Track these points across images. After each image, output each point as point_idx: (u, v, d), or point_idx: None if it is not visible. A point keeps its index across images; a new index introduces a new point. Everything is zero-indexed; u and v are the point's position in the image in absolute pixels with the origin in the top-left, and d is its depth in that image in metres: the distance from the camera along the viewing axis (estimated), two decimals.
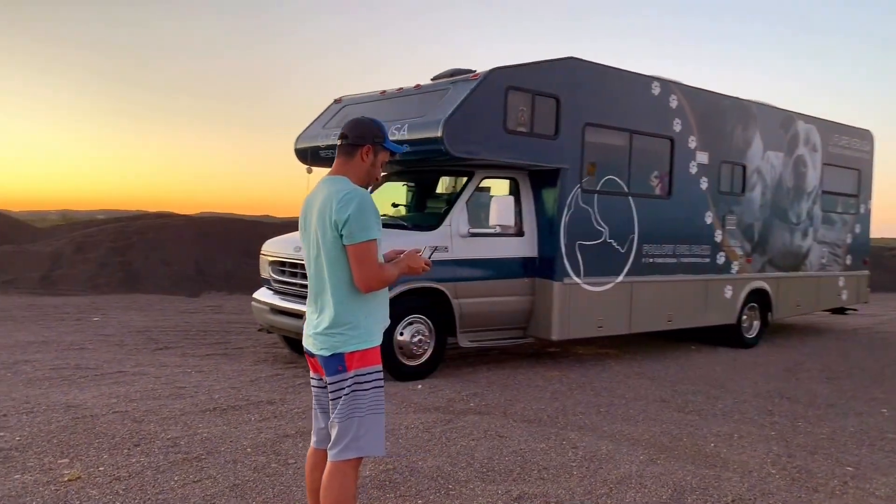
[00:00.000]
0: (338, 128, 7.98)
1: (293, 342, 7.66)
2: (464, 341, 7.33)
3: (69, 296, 12.53)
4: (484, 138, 7.06)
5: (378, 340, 3.03)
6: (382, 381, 3.05)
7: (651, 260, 8.63)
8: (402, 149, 3.27)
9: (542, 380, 7.24)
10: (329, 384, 3.00)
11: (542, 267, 7.80)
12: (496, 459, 4.72)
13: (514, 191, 7.88)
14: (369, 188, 3.23)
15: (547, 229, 7.79)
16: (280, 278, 7.52)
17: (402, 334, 6.88)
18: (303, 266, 7.16)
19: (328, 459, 2.99)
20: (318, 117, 8.75)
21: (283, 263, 7.50)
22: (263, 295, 7.69)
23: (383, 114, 7.57)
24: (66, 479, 4.05)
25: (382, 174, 6.77)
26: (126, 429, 5.01)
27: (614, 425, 5.70)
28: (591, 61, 7.88)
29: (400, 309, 6.84)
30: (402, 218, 7.79)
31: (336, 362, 2.96)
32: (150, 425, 5.12)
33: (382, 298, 3.11)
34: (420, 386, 6.70)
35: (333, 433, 2.98)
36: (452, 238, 7.18)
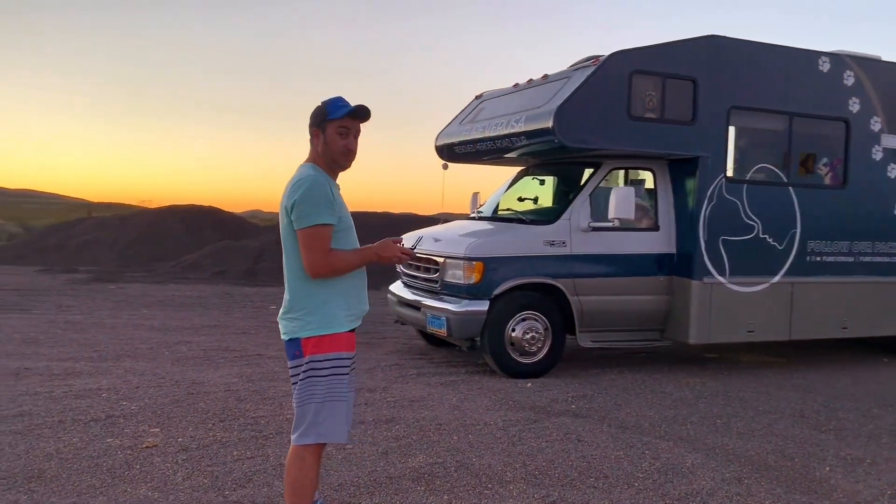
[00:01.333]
0: (473, 123, 8.01)
1: (428, 334, 7.76)
2: (585, 341, 7.00)
3: (265, 286, 13.79)
4: (604, 127, 6.70)
5: (339, 328, 2.99)
6: (345, 369, 3.02)
7: (819, 258, 7.63)
8: (347, 108, 3.08)
9: (674, 386, 6.70)
10: (289, 368, 3.04)
11: (680, 264, 7.22)
12: (557, 463, 4.46)
13: (650, 182, 7.39)
14: (344, 169, 3.13)
15: (685, 223, 7.20)
16: (406, 271, 7.70)
17: (513, 330, 6.71)
18: (420, 259, 7.34)
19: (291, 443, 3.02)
20: (459, 114, 8.82)
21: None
22: (396, 287, 7.91)
23: (513, 106, 7.47)
24: (144, 445, 4.48)
25: (521, 168, 6.47)
26: (223, 405, 5.42)
27: (720, 438, 5.13)
28: (738, 38, 7.14)
29: (511, 305, 6.70)
30: (521, 212, 7.61)
31: (293, 347, 2.99)
32: (247, 404, 5.49)
33: (348, 286, 3.04)
34: (529, 384, 6.50)
35: (294, 418, 3.01)
36: (571, 232, 6.87)
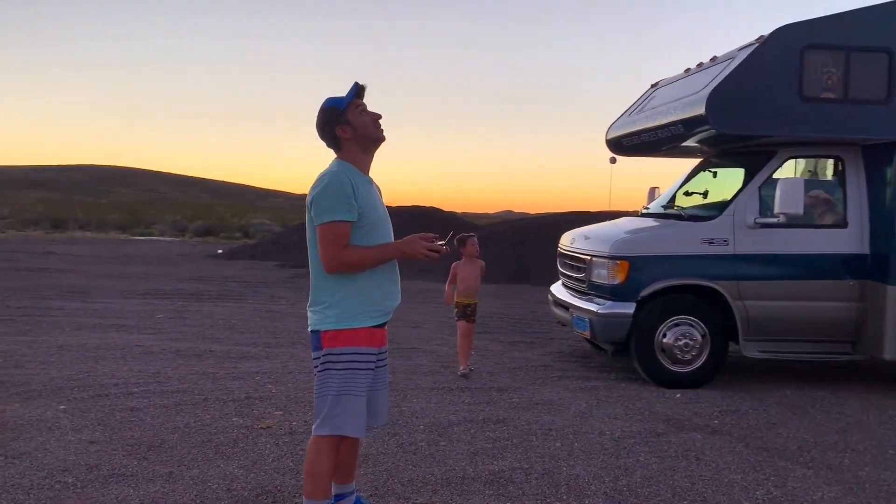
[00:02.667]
0: (640, 113, 7.57)
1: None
2: (750, 351, 6.28)
3: None
4: (769, 110, 5.96)
5: (358, 323, 2.99)
6: (364, 364, 3.01)
7: None
8: (350, 92, 3.05)
9: (857, 408, 5.78)
10: (313, 359, 3.09)
11: (874, 267, 6.21)
12: (654, 481, 4.07)
13: (838, 172, 6.44)
14: (382, 140, 3.14)
15: (881, 219, 6.18)
16: (562, 270, 7.46)
17: (664, 336, 6.22)
18: (569, 257, 7.05)
19: None
20: (632, 104, 8.35)
21: (562, 255, 7.44)
22: (555, 287, 7.71)
23: (678, 93, 6.95)
24: (260, 426, 4.83)
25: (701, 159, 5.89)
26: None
27: (879, 472, 4.34)
28: None
29: (662, 308, 6.22)
30: (681, 208, 7.00)
31: (315, 339, 3.04)
32: None
33: (373, 281, 3.03)
34: (679, 395, 5.98)
35: (315, 408, 3.06)
36: (735, 229, 6.20)
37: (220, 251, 21.28)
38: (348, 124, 3.04)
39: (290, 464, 4.18)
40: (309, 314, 3.08)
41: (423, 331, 8.87)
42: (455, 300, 6.49)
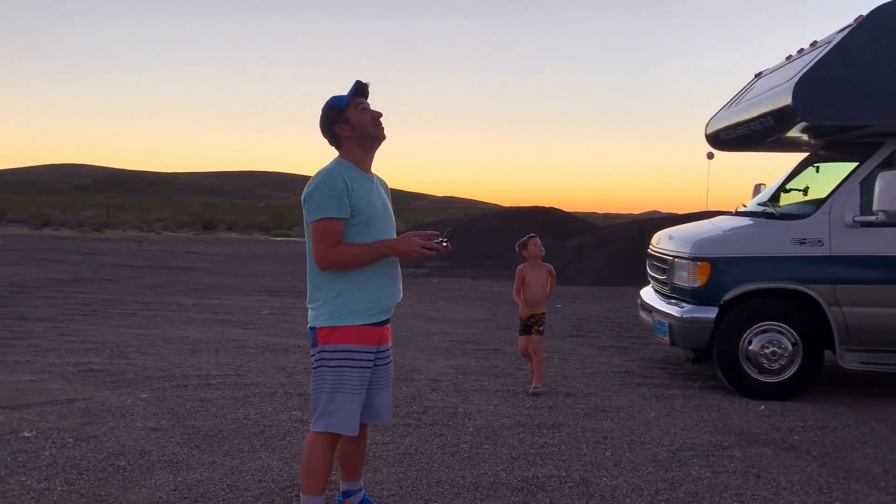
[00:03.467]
0: (738, 105, 7.15)
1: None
2: (849, 362, 5.73)
3: (573, 285, 13.88)
4: (868, 97, 5.42)
5: (352, 321, 2.99)
6: (358, 363, 3.00)
7: None
8: (351, 90, 3.05)
9: None
10: (311, 355, 3.12)
11: None
12: (700, 497, 3.80)
13: None
14: (382, 139, 3.14)
15: None
16: (649, 272, 7.14)
17: (749, 343, 5.78)
18: (656, 258, 6.69)
19: None
20: (734, 95, 7.85)
21: (650, 256, 7.11)
22: (644, 290, 7.39)
23: (774, 81, 6.48)
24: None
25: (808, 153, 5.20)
26: (417, 392, 5.70)
27: None
28: None
29: (747, 313, 5.80)
30: (775, 206, 6.46)
31: (312, 335, 3.07)
32: (446, 395, 5.67)
33: (369, 278, 3.02)
34: (763, 407, 5.55)
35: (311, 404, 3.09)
36: (831, 228, 5.68)
37: None
38: (347, 122, 3.05)
39: None
40: (309, 311, 3.12)
41: (511, 332, 8.76)
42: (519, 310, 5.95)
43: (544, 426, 4.96)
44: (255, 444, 4.48)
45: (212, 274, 14.85)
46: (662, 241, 6.71)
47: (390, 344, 3.25)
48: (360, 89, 3.09)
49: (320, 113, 3.12)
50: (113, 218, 36.63)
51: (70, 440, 4.43)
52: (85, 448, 4.30)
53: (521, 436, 4.74)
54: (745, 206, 7.23)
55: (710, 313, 5.83)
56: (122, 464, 4.07)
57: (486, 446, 4.52)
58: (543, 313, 5.97)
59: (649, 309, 6.60)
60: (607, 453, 4.45)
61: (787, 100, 5.49)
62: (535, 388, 5.79)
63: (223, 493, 3.71)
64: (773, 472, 4.19)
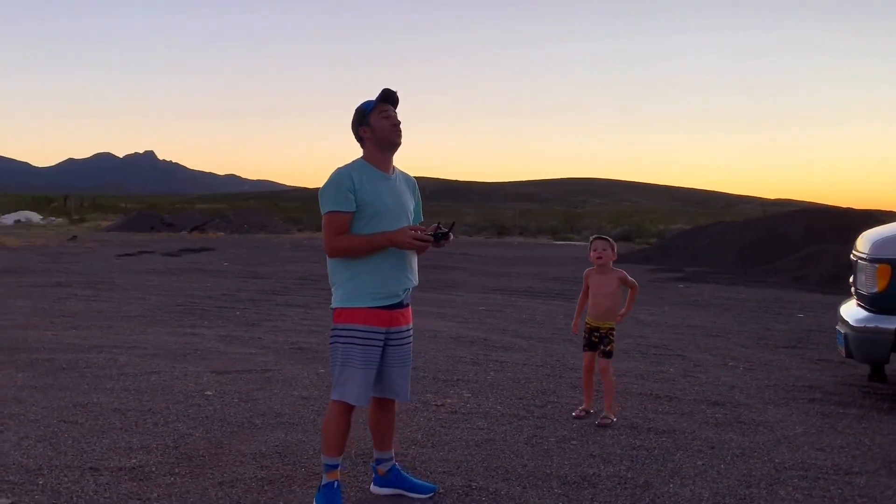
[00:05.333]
0: None
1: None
2: None
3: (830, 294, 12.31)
4: None
5: (359, 303, 3.34)
6: (362, 341, 3.33)
7: None
8: (378, 97, 3.36)
9: None
10: None
11: None
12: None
13: None
14: (398, 146, 3.46)
15: None
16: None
17: None
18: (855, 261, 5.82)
19: None
20: None
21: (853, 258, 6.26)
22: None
23: None
24: (436, 404, 5.34)
25: None
26: (560, 386, 5.82)
27: None
28: None
29: None
30: None
31: (332, 315, 3.47)
32: (575, 391, 5.71)
33: (373, 266, 3.34)
34: None
35: None
36: None
37: None
38: (370, 126, 3.42)
39: (419, 436, 4.61)
40: None
41: (713, 341, 8.23)
42: (586, 321, 5.09)
43: (655, 430, 4.78)
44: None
45: (468, 273, 15.89)
46: (858, 242, 5.92)
47: (407, 326, 3.53)
48: (387, 97, 3.43)
49: (353, 118, 3.52)
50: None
51: (236, 400, 5.37)
52: (241, 407, 5.19)
53: (621, 437, 4.64)
54: None
55: (890, 324, 5.05)
56: (258, 422, 4.85)
57: (574, 442, 4.52)
58: (611, 329, 5.00)
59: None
60: (699, 462, 4.20)
61: None
62: (603, 417, 4.91)
63: (312, 451, 4.27)
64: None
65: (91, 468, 3.92)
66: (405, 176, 3.62)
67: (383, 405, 3.65)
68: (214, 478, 3.85)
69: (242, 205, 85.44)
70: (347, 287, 3.39)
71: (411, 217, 3.55)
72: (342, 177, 3.34)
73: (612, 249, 5.02)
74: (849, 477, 4.00)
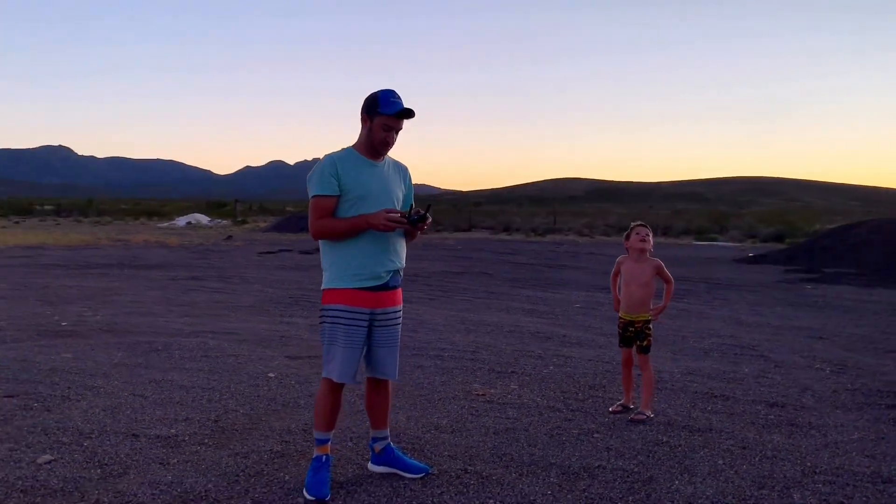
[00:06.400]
0: None
1: None
2: None
3: None
4: None
5: (342, 285, 3.48)
6: (343, 320, 3.47)
7: None
8: (396, 107, 3.38)
9: None
10: None
11: None
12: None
13: None
14: (381, 156, 3.56)
15: None
16: None
17: None
18: None
19: None
20: None
21: None
22: None
23: None
24: (477, 394, 5.38)
25: None
26: (593, 382, 5.66)
27: None
28: None
29: None
30: None
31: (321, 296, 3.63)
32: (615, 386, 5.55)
33: (355, 249, 3.47)
34: None
35: None
36: None
37: (751, 254, 20.62)
38: (371, 122, 3.49)
39: (445, 422, 4.67)
40: None
41: (810, 344, 7.63)
42: (619, 314, 4.96)
43: (690, 428, 4.58)
44: (403, 403, 5.10)
45: (581, 272, 15.61)
46: None
47: (394, 308, 3.61)
48: (401, 113, 3.44)
49: (369, 95, 3.52)
50: (559, 224, 39.99)
51: (293, 382, 5.68)
52: (294, 389, 5.48)
53: (650, 433, 4.49)
54: None
55: None
56: (302, 403, 5.10)
57: (597, 436, 4.43)
58: (647, 323, 4.80)
59: None
60: (720, 462, 3.99)
61: None
62: (638, 413, 4.74)
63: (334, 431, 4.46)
64: None
65: (133, 435, 4.33)
66: (396, 163, 3.71)
67: (376, 386, 3.77)
68: (234, 449, 4.13)
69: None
70: (332, 269, 3.55)
71: (399, 203, 3.64)
72: (326, 164, 3.49)
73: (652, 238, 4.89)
74: (885, 486, 3.66)
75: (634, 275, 4.83)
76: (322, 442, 3.65)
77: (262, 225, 41.03)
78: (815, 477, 3.76)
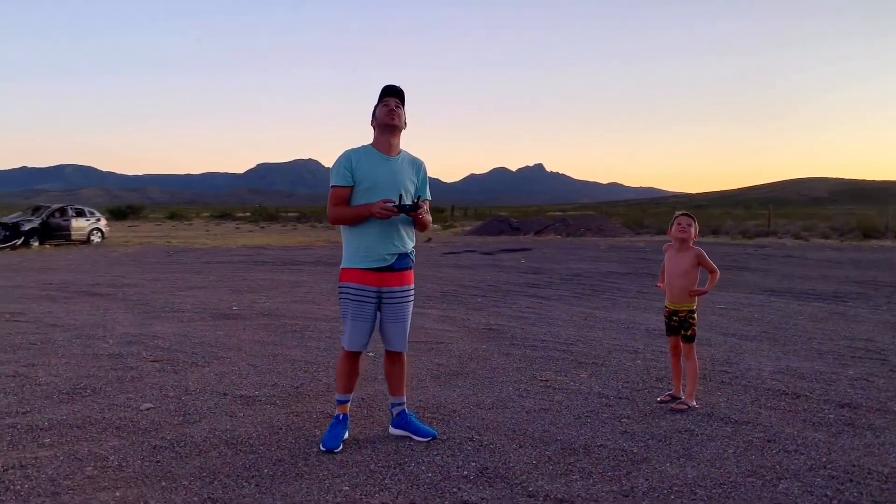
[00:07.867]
0: None
1: None
2: None
3: None
4: None
5: (352, 265, 4.01)
6: (352, 296, 4.00)
7: None
8: (381, 94, 3.94)
9: None
10: None
11: None
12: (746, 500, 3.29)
13: None
14: (393, 143, 4.06)
15: None
16: None
17: None
18: None
19: None
20: None
21: None
22: None
23: None
24: (541, 380, 5.61)
25: None
26: (653, 376, 5.66)
27: None
28: None
29: None
30: None
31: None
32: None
33: (364, 233, 3.97)
34: None
35: None
36: None
37: None
38: (374, 117, 4.06)
39: (489, 401, 4.98)
40: None
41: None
42: (665, 304, 4.97)
43: (729, 420, 4.52)
44: (462, 383, 5.49)
45: (759, 273, 14.68)
46: None
47: (401, 287, 4.05)
48: (387, 91, 4.04)
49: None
50: (773, 226, 37.13)
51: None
52: (383, 367, 6.08)
53: (683, 421, 4.50)
54: None
55: None
56: (380, 377, 5.65)
57: (625, 420, 4.53)
58: (690, 312, 4.80)
59: None
60: (729, 451, 3.97)
61: None
62: (679, 402, 4.77)
63: (386, 403, 4.98)
64: None
65: (223, 394, 5.16)
66: (413, 159, 4.16)
67: (391, 357, 4.24)
68: (293, 409, 4.79)
69: (611, 210, 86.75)
70: (346, 251, 4.08)
71: (409, 194, 4.07)
72: (343, 158, 4.03)
73: (695, 228, 4.84)
74: (885, 485, 3.44)
75: (675, 264, 4.86)
76: (341, 402, 4.19)
77: (466, 228, 42.63)
78: (819, 472, 3.63)
